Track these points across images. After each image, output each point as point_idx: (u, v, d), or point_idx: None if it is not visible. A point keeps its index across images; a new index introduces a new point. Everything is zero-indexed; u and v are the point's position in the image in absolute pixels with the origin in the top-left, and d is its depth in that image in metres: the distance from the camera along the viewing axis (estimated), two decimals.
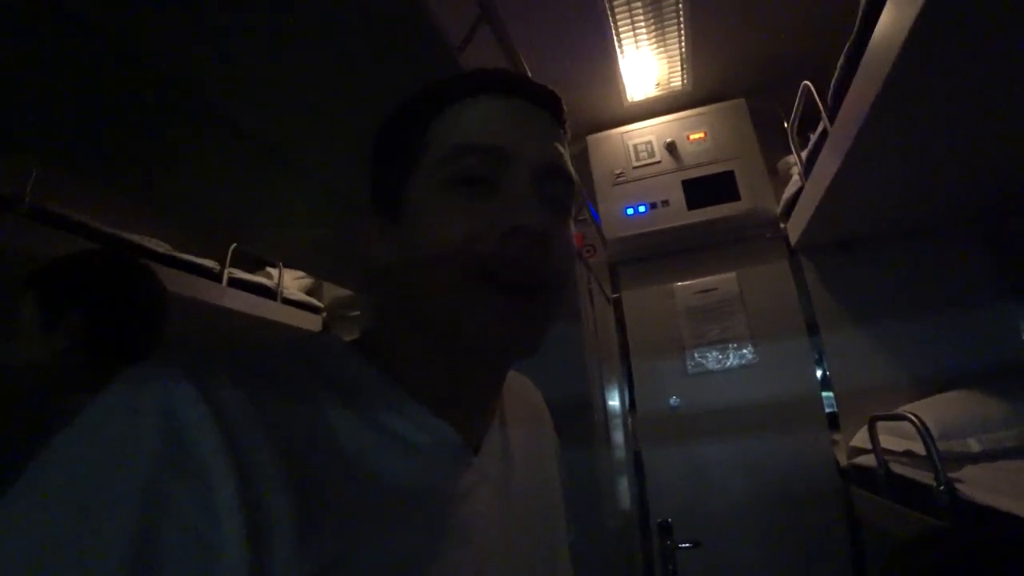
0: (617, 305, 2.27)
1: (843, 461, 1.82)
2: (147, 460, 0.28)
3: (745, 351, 2.05)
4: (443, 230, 0.40)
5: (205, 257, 2.08)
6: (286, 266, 2.51)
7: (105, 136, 0.89)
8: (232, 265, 2.17)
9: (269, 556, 0.29)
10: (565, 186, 0.45)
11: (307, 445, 0.34)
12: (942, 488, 1.15)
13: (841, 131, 1.31)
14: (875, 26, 1.03)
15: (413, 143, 0.44)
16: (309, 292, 2.77)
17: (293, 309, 2.55)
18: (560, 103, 0.47)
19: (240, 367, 0.35)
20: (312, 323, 2.68)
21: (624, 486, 1.83)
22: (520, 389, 0.61)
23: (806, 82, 1.58)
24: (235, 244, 2.12)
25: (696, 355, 2.11)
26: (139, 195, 1.11)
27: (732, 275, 2.16)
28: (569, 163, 0.46)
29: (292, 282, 2.65)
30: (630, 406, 2.13)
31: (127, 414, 0.30)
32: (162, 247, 1.92)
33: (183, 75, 0.78)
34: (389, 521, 0.36)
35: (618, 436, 1.82)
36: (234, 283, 2.19)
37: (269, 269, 2.58)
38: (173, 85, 0.79)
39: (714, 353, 2.09)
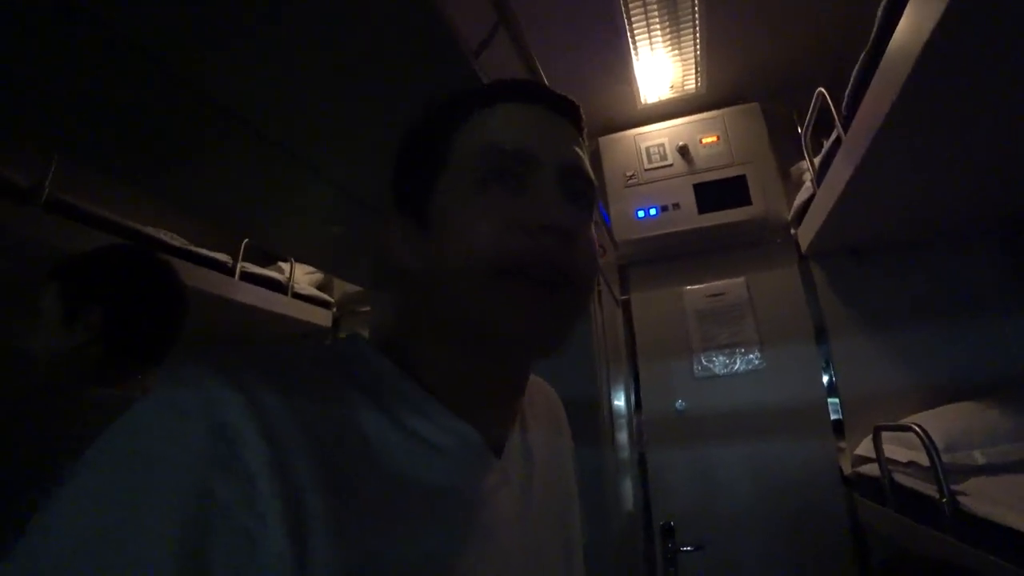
0: (626, 307, 2.27)
1: (848, 469, 1.82)
2: (196, 458, 0.30)
3: (753, 356, 2.05)
4: (474, 228, 0.41)
5: (217, 251, 2.11)
6: (297, 261, 2.53)
7: (124, 131, 0.90)
8: (244, 259, 2.19)
9: (308, 552, 0.31)
10: (586, 186, 0.47)
11: (339, 446, 0.36)
12: (945, 500, 1.15)
13: (855, 139, 1.31)
14: (892, 35, 1.03)
15: (439, 150, 0.46)
16: (320, 287, 2.79)
17: (303, 304, 2.57)
18: (579, 111, 0.49)
19: (277, 370, 0.37)
20: (322, 318, 2.70)
21: (628, 487, 1.84)
22: (540, 393, 0.62)
23: (820, 89, 1.57)
24: (247, 239, 2.15)
25: (704, 359, 2.11)
26: (155, 189, 1.13)
27: (741, 280, 2.15)
28: (588, 166, 0.48)
29: (303, 277, 2.67)
30: (636, 407, 2.13)
31: (176, 415, 0.31)
32: (177, 240, 1.94)
33: (201, 73, 0.79)
34: (416, 520, 0.37)
35: (623, 437, 1.83)
36: (246, 277, 2.21)
37: (280, 264, 2.60)
38: (191, 82, 0.80)
39: (722, 357, 2.09)
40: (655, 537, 1.93)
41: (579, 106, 0.49)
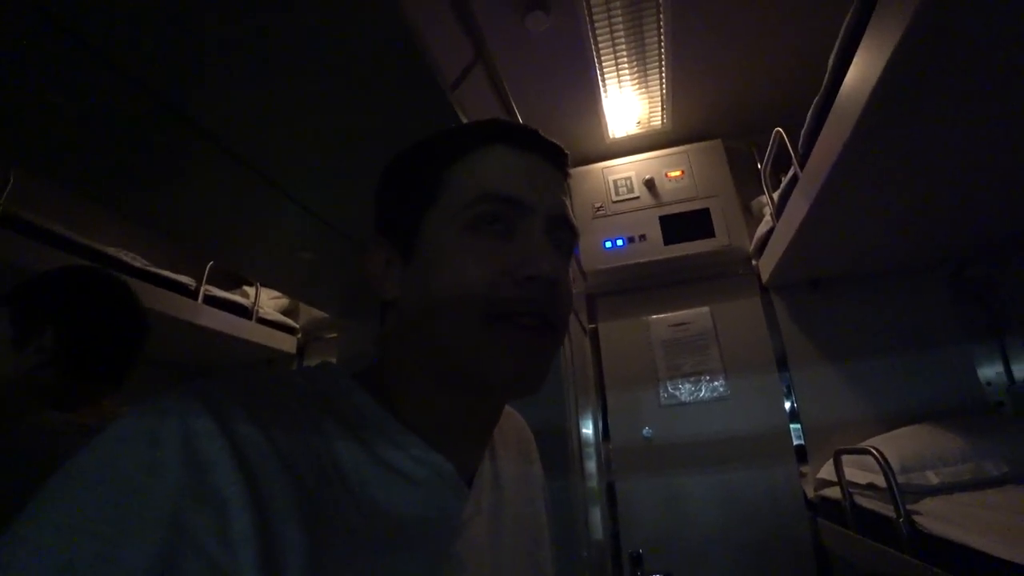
0: (593, 335, 2.30)
1: (811, 493, 1.86)
2: (169, 490, 0.29)
3: (717, 384, 2.09)
4: (465, 271, 0.42)
5: (181, 273, 2.06)
6: (264, 286, 2.49)
7: (90, 145, 0.88)
8: (208, 282, 2.15)
9: None
10: (569, 234, 0.48)
11: (317, 477, 0.36)
12: (901, 520, 1.19)
13: (810, 177, 1.38)
14: (843, 81, 1.10)
15: (430, 183, 0.46)
16: (285, 312, 2.75)
17: (268, 329, 2.52)
18: (567, 159, 0.51)
19: (256, 400, 0.36)
20: (287, 344, 2.65)
21: (597, 516, 1.83)
22: (510, 422, 0.63)
23: (778, 129, 1.66)
24: (213, 261, 2.10)
25: (669, 387, 2.14)
26: (120, 206, 1.11)
27: (706, 310, 2.21)
28: (572, 213, 0.49)
29: (268, 302, 2.63)
30: (604, 436, 2.14)
31: (149, 444, 0.31)
32: (138, 261, 1.89)
33: (176, 91, 0.79)
34: (391, 551, 0.38)
35: (591, 466, 1.83)
36: (209, 301, 2.16)
37: (245, 288, 2.55)
38: (164, 101, 0.80)
39: (687, 385, 2.13)
40: (624, 566, 1.92)
41: (567, 154, 0.51)
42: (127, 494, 0.29)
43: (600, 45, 1.82)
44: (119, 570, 0.27)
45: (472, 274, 0.42)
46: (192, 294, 2.08)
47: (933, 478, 1.35)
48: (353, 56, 0.77)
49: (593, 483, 1.84)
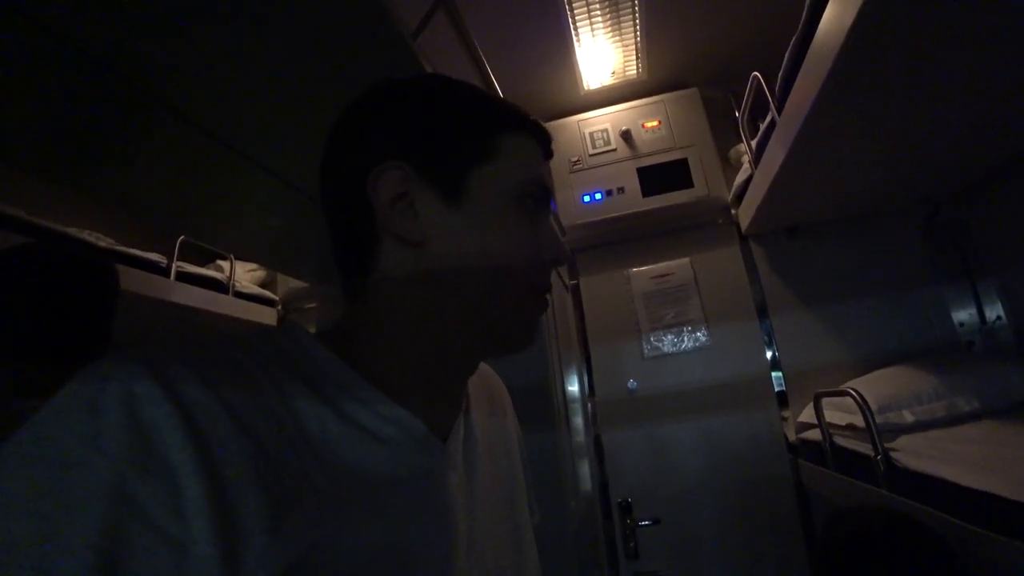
0: (575, 292, 2.30)
1: (792, 436, 1.92)
2: (109, 461, 0.28)
3: (699, 334, 2.12)
4: (519, 244, 0.47)
5: (151, 251, 1.99)
6: (238, 258, 2.43)
7: (42, 123, 0.83)
8: (179, 259, 2.08)
9: (242, 550, 0.30)
10: None
11: (277, 438, 0.35)
12: (879, 457, 1.23)
13: (788, 122, 1.36)
14: (820, 20, 1.07)
15: (483, 142, 0.47)
16: (263, 285, 2.70)
17: (247, 303, 2.47)
18: None
19: (204, 361, 0.35)
20: (267, 317, 2.61)
21: (585, 469, 1.87)
22: (482, 376, 0.62)
23: (756, 73, 1.62)
24: (183, 236, 2.04)
25: (652, 339, 2.16)
26: (77, 184, 1.05)
27: (686, 260, 2.21)
28: None
29: (244, 275, 2.57)
30: (589, 391, 2.17)
31: (86, 413, 0.29)
32: (104, 241, 1.82)
33: (125, 59, 0.74)
34: (361, 510, 0.37)
35: (578, 420, 1.86)
36: (182, 277, 2.10)
37: (219, 262, 2.49)
38: (114, 69, 0.75)
39: (670, 337, 2.15)
40: (614, 514, 1.97)
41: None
42: (67, 467, 0.28)
43: None
44: (61, 547, 0.26)
45: (524, 248, 0.47)
46: (164, 271, 2.02)
47: (908, 416, 1.39)
48: (309, 5, 0.72)
49: (580, 437, 1.87)
